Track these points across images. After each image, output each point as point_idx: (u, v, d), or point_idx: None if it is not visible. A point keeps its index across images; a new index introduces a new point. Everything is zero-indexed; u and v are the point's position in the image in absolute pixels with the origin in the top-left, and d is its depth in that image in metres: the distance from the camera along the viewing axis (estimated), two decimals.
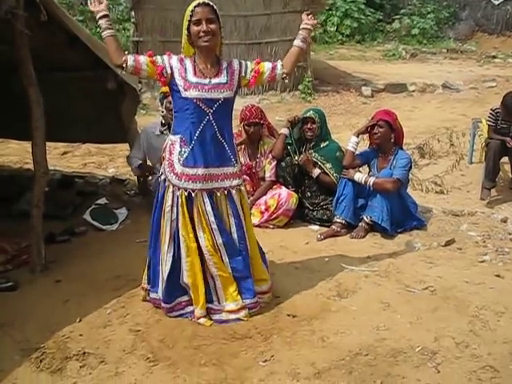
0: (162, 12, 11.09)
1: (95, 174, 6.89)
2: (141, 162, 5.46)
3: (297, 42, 3.43)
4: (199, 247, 3.34)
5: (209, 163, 3.26)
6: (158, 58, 3.25)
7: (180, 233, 3.32)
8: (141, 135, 5.47)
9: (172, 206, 3.30)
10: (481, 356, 3.02)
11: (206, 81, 3.21)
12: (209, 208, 3.28)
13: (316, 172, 5.09)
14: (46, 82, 4.12)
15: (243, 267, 3.41)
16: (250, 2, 11.18)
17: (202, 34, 3.14)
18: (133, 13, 11.58)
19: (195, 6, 3.14)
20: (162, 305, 3.46)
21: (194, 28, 3.15)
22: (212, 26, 3.14)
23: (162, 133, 5.24)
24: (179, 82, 3.22)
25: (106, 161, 7.61)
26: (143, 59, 3.22)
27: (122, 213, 5.30)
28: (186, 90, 3.20)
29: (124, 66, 3.20)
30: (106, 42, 3.23)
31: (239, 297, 3.41)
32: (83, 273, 4.10)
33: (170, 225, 3.32)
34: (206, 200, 3.27)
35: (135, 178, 6.03)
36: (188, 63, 3.26)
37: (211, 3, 3.16)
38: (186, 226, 3.30)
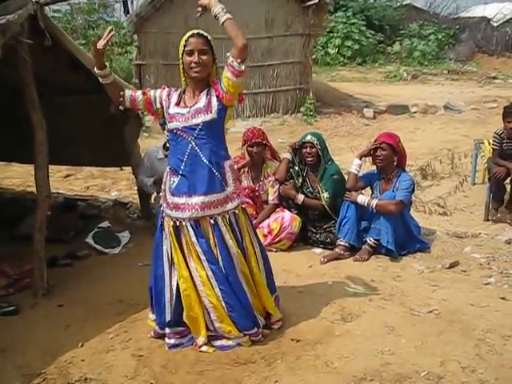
0: (164, 35, 11.21)
1: (98, 197, 6.88)
2: (153, 178, 5.36)
3: (222, 19, 3.09)
4: (192, 276, 3.29)
5: (196, 191, 3.19)
6: (152, 92, 3.33)
7: (174, 261, 3.30)
8: (144, 158, 5.46)
9: (168, 234, 3.30)
10: (488, 381, 2.98)
11: (186, 110, 3.19)
12: (194, 239, 3.22)
13: (300, 198, 5.07)
14: (49, 105, 4.15)
15: (237, 303, 3.29)
16: (252, 25, 11.26)
17: (193, 64, 3.13)
18: (135, 36, 11.71)
19: (189, 36, 3.15)
20: (160, 331, 3.43)
21: (187, 58, 3.15)
22: (203, 58, 3.12)
23: (166, 156, 5.20)
24: (166, 115, 3.28)
25: (109, 184, 7.62)
26: (139, 97, 3.34)
27: (124, 236, 5.29)
28: (168, 122, 3.25)
29: (122, 104, 3.39)
30: (108, 87, 3.39)
31: (237, 332, 3.33)
32: (85, 297, 4.08)
33: (167, 253, 3.33)
34: (191, 230, 3.21)
35: (138, 201, 6.02)
36: (175, 95, 3.28)
37: (206, 34, 3.15)
38: (177, 255, 3.27)
